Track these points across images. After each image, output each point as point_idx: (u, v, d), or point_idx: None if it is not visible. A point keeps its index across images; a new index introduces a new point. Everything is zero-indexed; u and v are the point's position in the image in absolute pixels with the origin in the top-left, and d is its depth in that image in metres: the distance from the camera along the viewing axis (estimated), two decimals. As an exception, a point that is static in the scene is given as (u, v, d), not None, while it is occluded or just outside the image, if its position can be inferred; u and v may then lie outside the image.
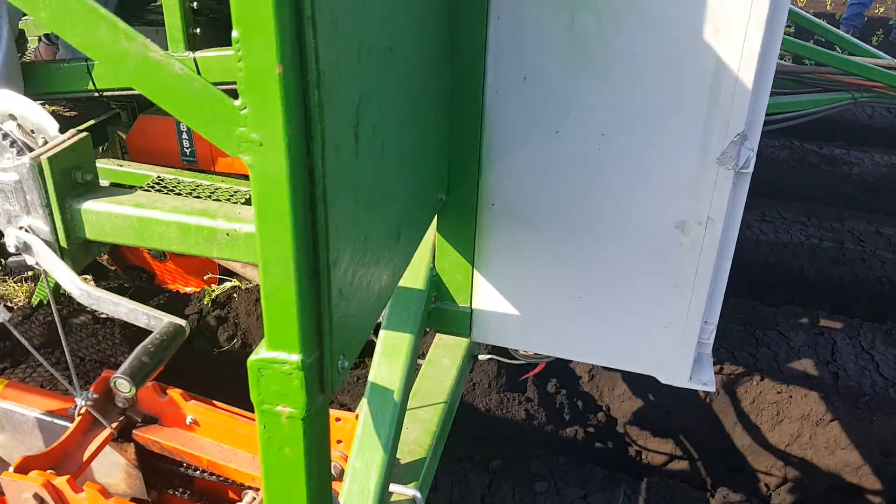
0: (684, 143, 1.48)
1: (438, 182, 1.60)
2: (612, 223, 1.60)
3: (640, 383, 3.52)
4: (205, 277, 3.83)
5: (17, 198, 1.37)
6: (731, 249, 1.59)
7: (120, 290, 3.96)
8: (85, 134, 1.44)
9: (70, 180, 1.41)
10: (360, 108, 1.02)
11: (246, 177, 3.44)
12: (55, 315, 1.65)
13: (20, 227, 1.40)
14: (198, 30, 2.96)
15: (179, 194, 3.08)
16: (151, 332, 1.47)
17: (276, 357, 1.02)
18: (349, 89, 0.97)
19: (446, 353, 2.48)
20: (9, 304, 3.80)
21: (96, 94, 3.16)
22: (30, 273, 4.04)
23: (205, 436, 1.88)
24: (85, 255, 1.48)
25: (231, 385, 3.32)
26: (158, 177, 3.22)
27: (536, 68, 1.50)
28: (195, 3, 3.33)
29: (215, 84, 2.87)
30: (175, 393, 1.86)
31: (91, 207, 1.41)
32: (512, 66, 1.51)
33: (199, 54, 2.94)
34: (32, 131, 1.42)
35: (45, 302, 3.71)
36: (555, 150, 1.56)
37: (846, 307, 4.21)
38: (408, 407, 2.24)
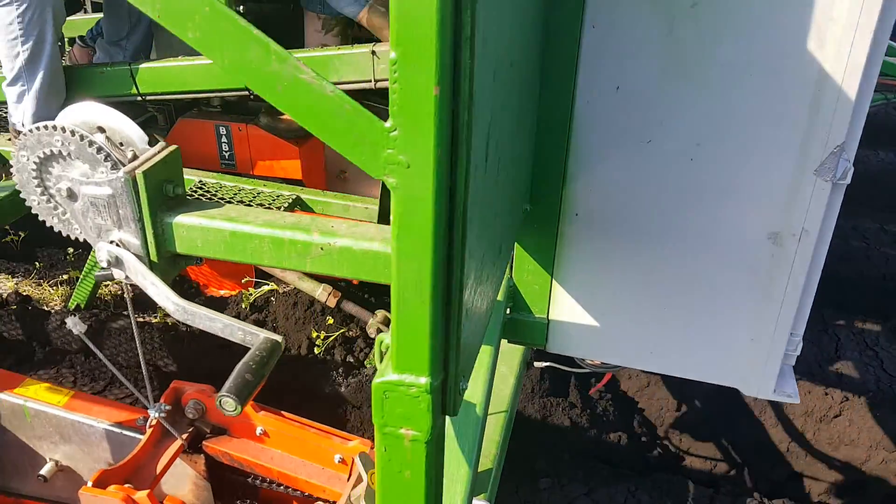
0: (781, 153, 1.46)
1: (525, 192, 1.58)
2: (702, 234, 1.57)
3: (677, 387, 3.50)
4: (242, 281, 3.82)
5: (109, 212, 1.35)
6: (822, 261, 1.56)
7: (156, 294, 3.94)
8: (175, 147, 1.42)
9: (161, 194, 1.38)
10: (491, 126, 1.00)
11: (284, 180, 3.42)
12: (133, 327, 1.63)
13: (111, 242, 1.38)
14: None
15: (223, 198, 3.06)
16: (221, 339, 1.45)
17: (403, 380, 1.00)
18: (486, 107, 0.95)
19: (503, 360, 2.45)
20: (45, 307, 3.79)
21: (139, 99, 3.14)
22: (64, 276, 4.03)
23: (275, 447, 1.86)
24: (172, 268, 1.46)
25: (272, 390, 3.31)
26: (200, 181, 3.20)
27: (630, 77, 1.47)
28: (241, 7, 3.32)
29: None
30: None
31: (183, 221, 1.39)
32: (604, 75, 1.48)
33: (244, 58, 2.93)
34: (121, 143, 1.40)
35: (81, 306, 3.70)
36: (644, 160, 1.54)
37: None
38: (470, 416, 2.22)
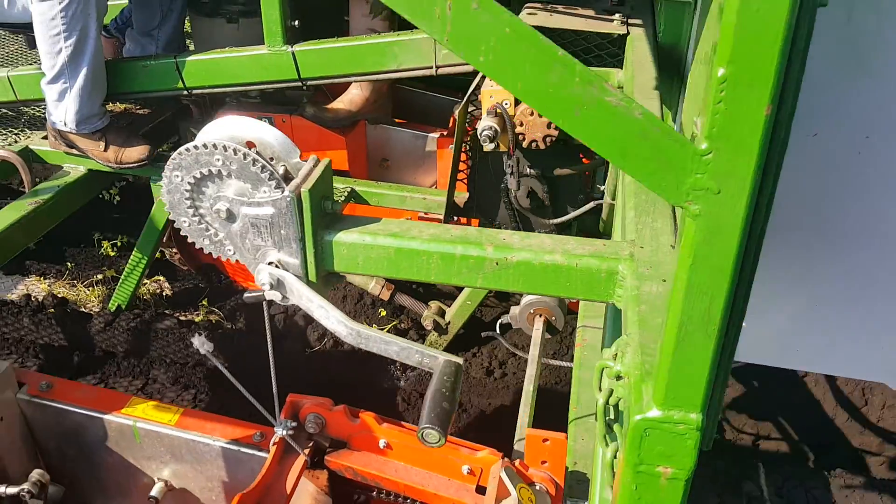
0: (960, 145, 1.40)
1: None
2: (867, 230, 1.51)
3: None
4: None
5: (270, 232, 1.26)
6: None
7: (196, 291, 3.84)
8: (328, 161, 1.33)
9: (321, 211, 1.29)
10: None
11: None
12: (269, 341, 1.53)
13: (269, 263, 1.29)
14: (296, 22, 2.82)
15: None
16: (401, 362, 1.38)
17: (670, 416, 0.93)
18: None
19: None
20: (83, 308, 3.67)
21: (185, 93, 3.01)
22: (99, 276, 3.90)
23: (399, 459, 1.79)
24: (326, 287, 1.37)
25: (327, 385, 3.24)
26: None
27: (803, 69, 1.39)
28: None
29: (313, 79, 2.71)
30: (368, 416, 1.76)
31: (343, 239, 1.30)
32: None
33: (297, 48, 2.80)
34: (272, 158, 1.30)
35: (123, 307, 3.59)
36: (809, 153, 1.47)
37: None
38: (576, 416, 2.17)
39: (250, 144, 1.29)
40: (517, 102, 2.34)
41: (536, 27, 2.27)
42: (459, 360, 1.26)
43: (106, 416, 1.81)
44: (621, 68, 2.41)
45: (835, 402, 3.42)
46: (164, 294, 3.80)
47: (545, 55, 0.75)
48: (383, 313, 3.39)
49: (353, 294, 3.49)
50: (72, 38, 2.73)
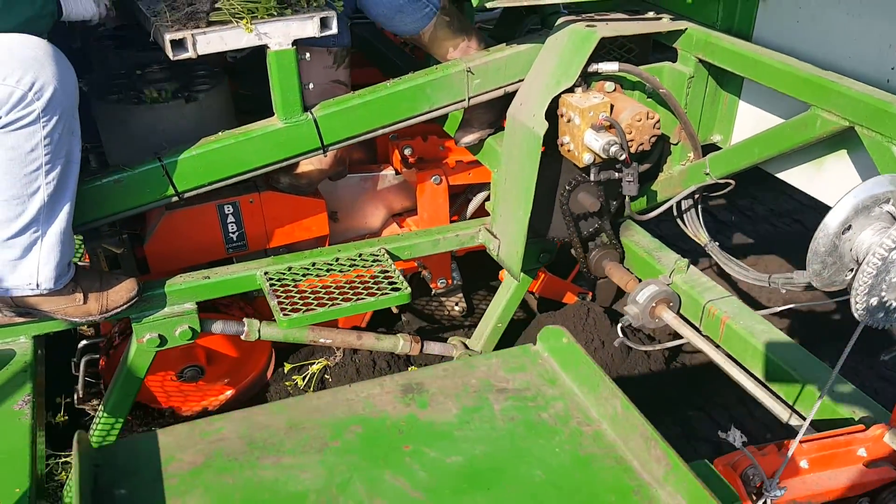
0: None
1: None
2: None
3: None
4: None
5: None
6: None
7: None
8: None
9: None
10: None
11: (307, 241, 2.90)
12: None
13: None
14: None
15: (317, 289, 2.54)
16: None
17: None
18: None
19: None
20: None
21: (175, 199, 2.40)
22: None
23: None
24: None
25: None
26: (265, 273, 2.61)
27: None
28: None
29: (336, 143, 2.40)
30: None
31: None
32: None
33: (318, 113, 2.43)
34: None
35: None
36: None
37: None
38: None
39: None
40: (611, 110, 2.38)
41: (605, 38, 2.34)
42: None
43: None
44: (674, 62, 2.59)
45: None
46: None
47: None
48: (413, 370, 3.15)
49: (364, 363, 3.16)
50: (55, 171, 2.04)
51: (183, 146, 2.35)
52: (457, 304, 3.68)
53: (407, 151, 3.15)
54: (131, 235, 2.77)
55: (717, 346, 2.48)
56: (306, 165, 2.83)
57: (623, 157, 2.32)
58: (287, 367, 3.16)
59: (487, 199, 3.30)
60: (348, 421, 1.29)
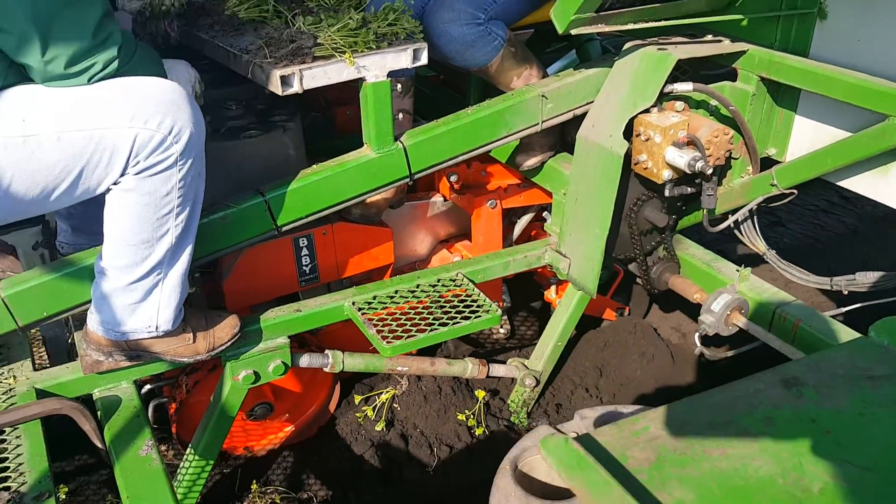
0: None
1: None
2: None
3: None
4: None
5: None
6: None
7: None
8: None
9: None
10: None
11: (372, 271, 2.93)
12: None
13: None
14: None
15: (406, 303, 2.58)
16: None
17: None
18: None
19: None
20: None
21: (275, 233, 2.40)
22: None
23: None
24: None
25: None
26: (353, 303, 2.63)
27: None
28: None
29: (421, 171, 2.50)
30: None
31: None
32: None
33: (407, 142, 2.48)
34: None
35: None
36: None
37: None
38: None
39: None
40: (685, 127, 2.51)
41: (681, 61, 2.48)
42: None
43: None
44: (733, 81, 2.74)
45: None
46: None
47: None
48: (482, 395, 3.18)
49: (430, 389, 3.18)
50: (184, 213, 2.03)
51: (282, 180, 2.36)
52: (501, 327, 3.74)
53: (453, 178, 3.20)
54: (202, 273, 2.75)
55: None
56: (374, 194, 2.86)
57: (709, 172, 2.44)
58: (357, 398, 3.15)
59: (535, 220, 3.41)
60: (757, 414, 1.32)
